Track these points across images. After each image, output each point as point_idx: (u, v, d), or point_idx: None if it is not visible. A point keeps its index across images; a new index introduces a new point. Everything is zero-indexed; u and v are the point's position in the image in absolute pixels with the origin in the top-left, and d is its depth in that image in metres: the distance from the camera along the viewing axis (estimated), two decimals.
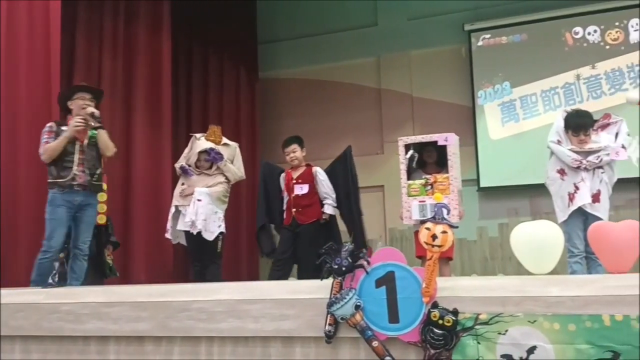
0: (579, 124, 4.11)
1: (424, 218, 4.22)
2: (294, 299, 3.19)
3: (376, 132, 7.76)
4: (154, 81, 5.97)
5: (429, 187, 4.28)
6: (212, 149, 4.98)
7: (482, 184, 7.20)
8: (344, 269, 3.04)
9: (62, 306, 3.44)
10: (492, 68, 7.30)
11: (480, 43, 7.37)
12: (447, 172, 4.35)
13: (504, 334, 2.89)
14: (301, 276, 4.89)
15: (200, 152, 5.00)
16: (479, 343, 2.91)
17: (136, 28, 5.95)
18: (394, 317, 3.01)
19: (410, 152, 4.45)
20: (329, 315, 3.03)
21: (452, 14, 7.57)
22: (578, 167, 4.06)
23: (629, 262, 3.14)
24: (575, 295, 2.89)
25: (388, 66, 7.83)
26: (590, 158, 4.05)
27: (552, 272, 3.42)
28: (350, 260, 3.06)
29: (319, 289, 3.14)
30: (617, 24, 6.85)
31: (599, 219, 3.83)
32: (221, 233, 4.93)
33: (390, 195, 7.09)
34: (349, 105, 7.90)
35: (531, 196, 6.66)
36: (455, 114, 7.44)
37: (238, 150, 5.24)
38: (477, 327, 2.92)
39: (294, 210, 4.96)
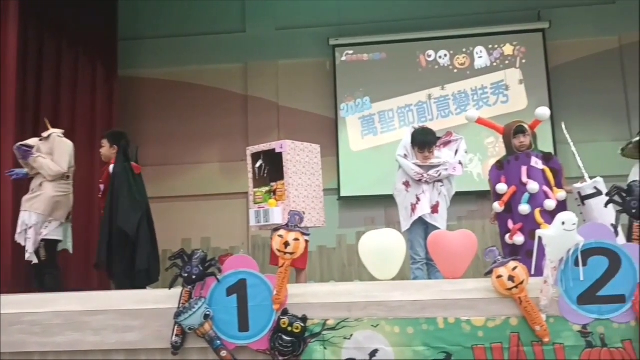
0: (424, 141, 4.42)
1: (258, 224, 4.30)
2: (140, 310, 3.08)
3: (242, 139, 7.69)
4: None
5: (273, 194, 4.36)
6: (19, 146, 4.58)
7: (343, 194, 7.45)
8: (194, 277, 2.99)
9: None
10: (354, 83, 7.60)
11: (343, 58, 7.65)
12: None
13: (349, 339, 3.02)
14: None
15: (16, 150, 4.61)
16: (325, 348, 3.01)
17: None
18: (244, 325, 3.02)
19: (260, 162, 4.50)
20: (176, 326, 2.97)
21: (318, 27, 7.74)
22: (420, 180, 4.36)
23: (463, 268, 3.42)
24: (414, 299, 3.11)
25: (255, 74, 7.82)
26: (431, 172, 4.36)
27: (399, 278, 3.64)
28: (201, 268, 3.01)
29: (167, 298, 3.07)
30: (464, 50, 7.49)
31: (438, 228, 4.13)
32: (43, 241, 4.53)
33: None
34: (214, 110, 7.76)
35: (386, 206, 7.00)
36: (319, 124, 7.63)
37: (59, 140, 4.76)
38: (324, 332, 3.03)
39: (102, 212, 4.75)
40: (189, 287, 3.00)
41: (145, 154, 7.09)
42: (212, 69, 7.84)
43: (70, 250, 4.88)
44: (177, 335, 2.96)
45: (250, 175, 4.45)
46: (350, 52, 7.65)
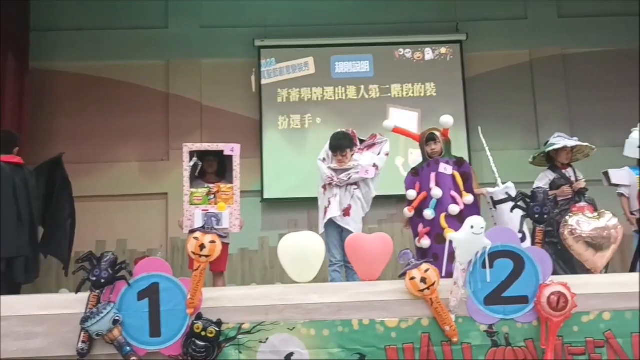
0: (335, 145, 4.50)
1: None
2: (44, 315, 2.93)
3: (162, 138, 7.48)
4: None
5: (212, 196, 4.25)
6: None
7: (266, 196, 7.42)
8: (102, 280, 2.88)
9: None
10: (280, 84, 7.61)
11: (269, 59, 7.64)
12: (229, 182, 4.36)
13: (264, 342, 3.02)
14: None
15: None
16: (240, 352, 2.99)
17: None
18: (155, 330, 2.94)
19: (194, 159, 4.38)
20: (82, 332, 2.84)
21: (244, 28, 7.67)
22: (330, 183, 4.42)
23: (379, 270, 3.48)
24: (331, 302, 3.14)
25: (178, 71, 7.60)
26: (342, 176, 4.43)
27: (320, 280, 3.65)
28: (110, 272, 2.90)
29: (74, 303, 2.94)
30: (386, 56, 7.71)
31: (351, 231, 4.20)
32: None
33: (174, 204, 6.91)
34: (133, 107, 7.45)
35: (309, 209, 7.02)
36: (243, 125, 7.54)
37: None
38: (239, 336, 3.00)
39: None
40: (97, 291, 2.88)
41: (58, 151, 6.76)
42: (132, 65, 7.57)
43: None
44: (83, 342, 2.84)
45: (186, 174, 4.28)
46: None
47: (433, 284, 3.07)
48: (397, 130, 4.63)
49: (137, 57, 7.56)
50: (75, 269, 3.05)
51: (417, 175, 4.30)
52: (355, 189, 4.40)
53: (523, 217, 3.57)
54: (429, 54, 7.63)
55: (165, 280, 3.00)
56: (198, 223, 4.06)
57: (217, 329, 2.92)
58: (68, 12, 7.60)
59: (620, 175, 4.67)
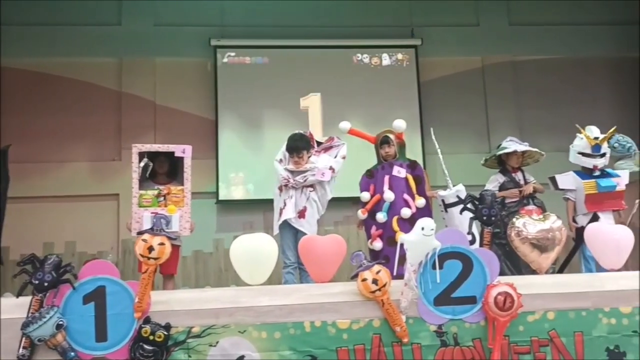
0: (291, 146, 4.47)
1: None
2: None
3: (114, 137, 7.32)
4: None
5: (162, 198, 4.16)
6: None
7: (221, 197, 7.35)
8: (45, 284, 2.79)
9: None
10: (235, 85, 7.55)
11: (225, 60, 7.57)
12: (180, 183, 4.29)
13: (214, 346, 2.98)
14: None
15: None
16: (190, 356, 2.94)
17: None
18: (101, 335, 2.87)
19: (145, 160, 4.28)
20: (24, 337, 2.75)
21: (200, 27, 7.60)
22: (286, 185, 4.41)
23: (331, 272, 3.48)
24: (282, 304, 3.13)
25: (131, 69, 7.45)
26: (298, 177, 4.42)
27: (276, 282, 3.63)
28: (54, 275, 2.81)
29: (15, 307, 2.85)
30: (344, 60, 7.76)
31: (306, 233, 4.19)
32: None
33: (125, 205, 6.73)
34: (84, 106, 7.26)
35: (265, 210, 6.98)
36: (198, 126, 7.46)
37: None
38: (189, 340, 2.96)
39: None
40: (40, 295, 2.78)
41: None
42: (84, 62, 7.38)
43: None
44: (24, 348, 2.74)
45: (136, 175, 4.16)
46: (232, 54, 7.59)
47: (384, 285, 3.10)
48: (352, 131, 4.65)
49: (89, 54, 7.37)
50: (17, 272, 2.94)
51: (371, 177, 4.34)
52: (311, 191, 4.39)
53: (472, 219, 3.65)
54: (385, 59, 7.71)
55: (111, 283, 2.93)
56: (147, 226, 3.96)
57: (165, 332, 2.87)
58: (17, 7, 7.33)
59: (566, 180, 4.81)
